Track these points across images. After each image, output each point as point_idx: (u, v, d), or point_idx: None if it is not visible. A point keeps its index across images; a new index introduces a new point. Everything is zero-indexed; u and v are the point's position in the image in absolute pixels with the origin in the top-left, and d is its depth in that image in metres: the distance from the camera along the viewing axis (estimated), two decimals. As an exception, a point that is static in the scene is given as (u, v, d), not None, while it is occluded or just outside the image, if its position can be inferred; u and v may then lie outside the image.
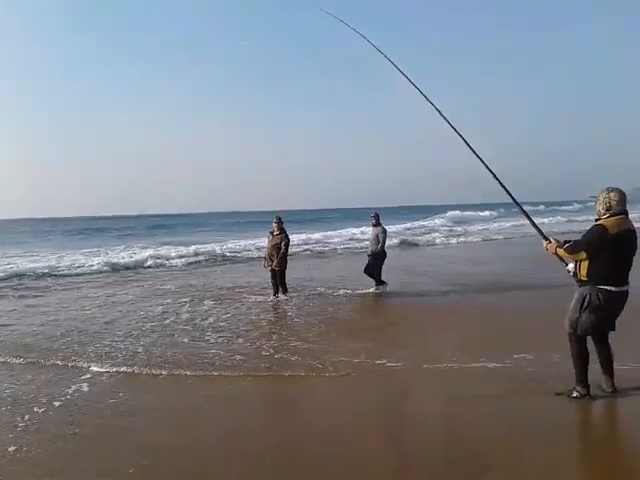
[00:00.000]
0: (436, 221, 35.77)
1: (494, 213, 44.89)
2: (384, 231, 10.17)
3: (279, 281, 9.50)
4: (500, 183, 4.92)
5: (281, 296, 9.41)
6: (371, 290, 9.96)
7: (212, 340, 6.70)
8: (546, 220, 33.65)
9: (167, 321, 7.90)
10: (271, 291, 9.63)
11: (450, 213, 40.98)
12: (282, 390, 5.24)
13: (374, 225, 10.27)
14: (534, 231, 4.70)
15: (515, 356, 5.50)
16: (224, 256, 17.78)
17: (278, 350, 6.19)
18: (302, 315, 8.18)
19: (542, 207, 54.34)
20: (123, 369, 5.57)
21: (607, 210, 4.02)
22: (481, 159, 5.04)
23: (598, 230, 3.99)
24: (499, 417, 4.11)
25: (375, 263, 10.05)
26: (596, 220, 4.12)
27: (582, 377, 4.21)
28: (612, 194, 4.01)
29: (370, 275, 10.07)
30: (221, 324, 7.60)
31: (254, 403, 4.74)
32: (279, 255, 9.39)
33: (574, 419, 4.14)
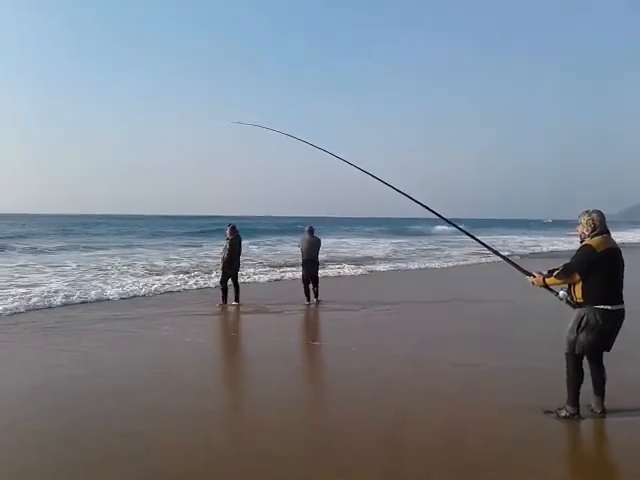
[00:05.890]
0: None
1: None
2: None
3: (235, 281, 10.18)
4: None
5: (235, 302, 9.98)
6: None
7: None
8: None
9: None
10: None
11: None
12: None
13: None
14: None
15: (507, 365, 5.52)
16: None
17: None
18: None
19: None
20: None
21: (592, 230, 4.14)
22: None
23: (586, 250, 4.10)
24: (484, 430, 4.12)
25: None
26: (581, 242, 4.21)
27: (574, 397, 4.22)
28: (594, 215, 4.16)
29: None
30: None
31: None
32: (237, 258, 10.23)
33: (561, 438, 4.12)
